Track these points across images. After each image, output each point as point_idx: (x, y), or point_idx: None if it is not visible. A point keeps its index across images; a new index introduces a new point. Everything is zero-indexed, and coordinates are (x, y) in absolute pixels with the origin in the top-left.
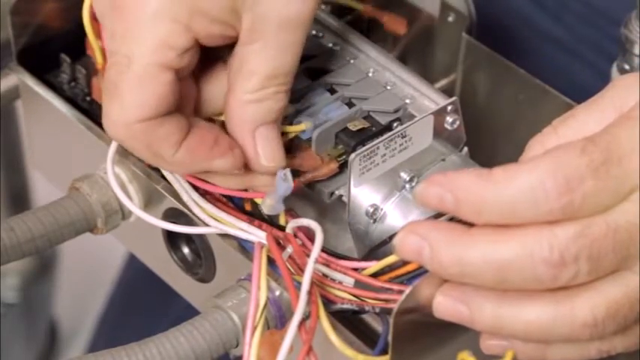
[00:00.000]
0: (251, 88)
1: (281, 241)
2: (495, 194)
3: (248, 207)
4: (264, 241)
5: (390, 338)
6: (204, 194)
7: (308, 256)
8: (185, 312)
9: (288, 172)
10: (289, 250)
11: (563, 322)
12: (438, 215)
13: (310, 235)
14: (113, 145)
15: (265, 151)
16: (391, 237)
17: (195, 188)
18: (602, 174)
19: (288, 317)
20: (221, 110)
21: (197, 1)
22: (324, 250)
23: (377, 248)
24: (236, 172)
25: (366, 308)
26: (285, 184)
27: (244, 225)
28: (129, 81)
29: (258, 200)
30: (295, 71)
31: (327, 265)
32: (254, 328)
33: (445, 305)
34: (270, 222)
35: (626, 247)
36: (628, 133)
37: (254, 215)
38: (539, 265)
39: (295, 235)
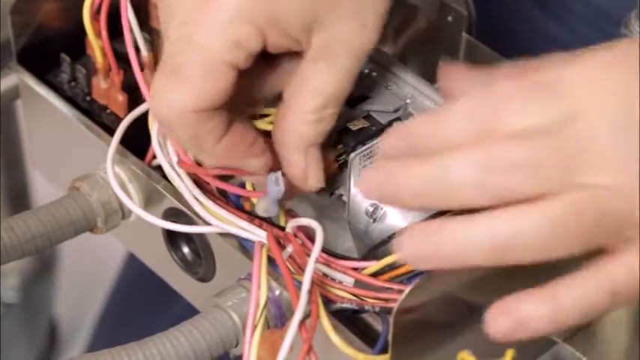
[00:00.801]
0: (313, 107)
1: (281, 241)
2: (436, 127)
3: (248, 207)
4: (265, 241)
5: (389, 337)
6: (206, 192)
7: (308, 255)
8: (185, 311)
9: (279, 175)
10: (289, 249)
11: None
12: (436, 215)
13: (310, 235)
14: (113, 145)
15: (313, 172)
16: (391, 236)
17: (197, 185)
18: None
19: (288, 316)
20: (257, 111)
21: (275, 10)
22: (323, 250)
23: (377, 248)
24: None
25: (366, 307)
26: (277, 187)
27: (245, 224)
28: (197, 70)
29: (255, 200)
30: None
31: (328, 265)
32: (254, 328)
33: (409, 246)
34: (271, 221)
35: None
36: (565, 70)
37: (254, 214)
38: (475, 174)
39: (295, 235)
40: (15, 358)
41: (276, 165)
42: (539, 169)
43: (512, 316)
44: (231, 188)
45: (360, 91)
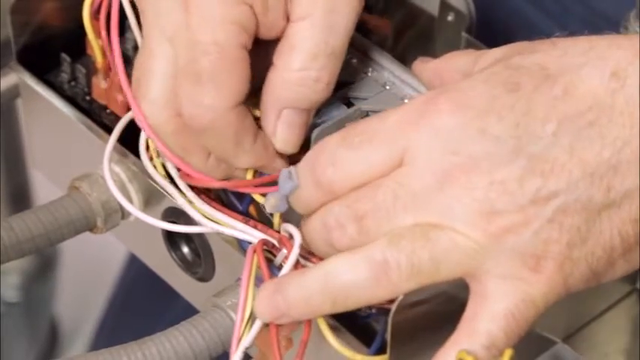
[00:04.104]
0: (292, 65)
1: (276, 243)
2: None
3: (253, 211)
4: (261, 240)
5: (388, 337)
6: (199, 194)
7: (304, 257)
8: (184, 311)
9: (293, 169)
10: (284, 251)
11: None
12: None
13: None
14: (110, 144)
15: (283, 133)
16: None
17: (191, 187)
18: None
19: None
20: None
21: None
22: None
23: None
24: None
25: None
26: (290, 182)
27: (240, 225)
28: (220, 66)
29: (259, 199)
30: (340, 63)
31: None
32: (238, 342)
33: (262, 302)
34: (267, 223)
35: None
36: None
37: (250, 216)
38: (317, 233)
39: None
40: (16, 356)
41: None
42: (362, 222)
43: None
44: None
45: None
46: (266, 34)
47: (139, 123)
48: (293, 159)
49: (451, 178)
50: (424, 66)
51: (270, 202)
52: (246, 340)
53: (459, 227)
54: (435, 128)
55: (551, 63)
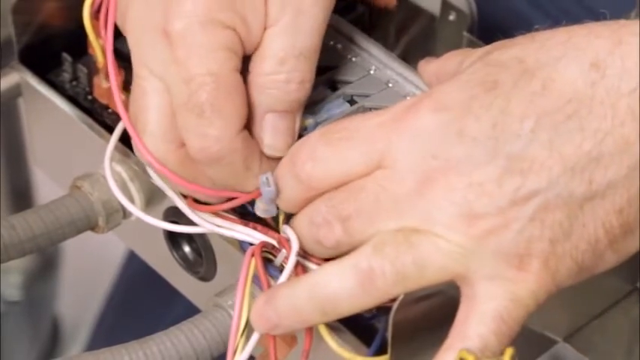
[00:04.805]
0: (263, 70)
1: (276, 244)
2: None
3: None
4: (257, 245)
5: (389, 337)
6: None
7: (303, 257)
8: (186, 311)
9: (269, 175)
10: (284, 252)
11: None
12: None
13: None
14: (111, 144)
15: (268, 138)
16: None
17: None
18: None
19: None
20: None
21: (233, 2)
22: None
23: None
24: None
25: None
26: (269, 188)
27: (239, 227)
28: (224, 94)
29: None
30: (313, 63)
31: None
32: (234, 352)
33: (256, 313)
34: (266, 223)
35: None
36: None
37: (249, 217)
38: (306, 233)
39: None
40: (17, 356)
41: None
42: (347, 223)
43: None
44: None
45: (324, 62)
46: (251, 50)
47: (143, 157)
48: None
49: (431, 181)
50: (426, 67)
51: (260, 208)
52: (244, 353)
53: (440, 231)
54: (414, 131)
55: (529, 56)
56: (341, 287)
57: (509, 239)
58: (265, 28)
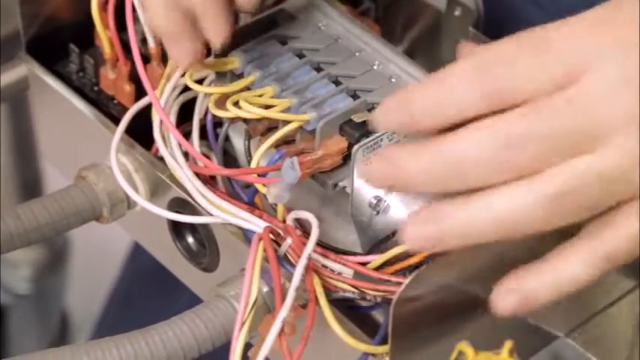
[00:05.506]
0: None
1: (281, 232)
2: (437, 94)
3: (258, 200)
4: (265, 229)
5: (389, 329)
6: (206, 183)
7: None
8: (189, 301)
9: (295, 160)
10: (289, 241)
11: (532, 206)
12: None
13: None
14: (117, 135)
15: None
16: (394, 233)
17: (198, 176)
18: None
19: None
20: None
21: None
22: (323, 244)
23: (381, 243)
24: None
25: (368, 297)
26: (293, 172)
27: (245, 214)
28: None
29: (263, 189)
30: None
31: (326, 257)
32: (242, 325)
33: (414, 232)
34: (271, 212)
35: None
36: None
37: (255, 206)
38: (489, 152)
39: (295, 227)
40: (26, 349)
41: None
42: (550, 141)
43: (518, 292)
44: (247, 177)
45: (327, 57)
46: None
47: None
48: None
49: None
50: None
51: (272, 192)
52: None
53: None
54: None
55: None
56: (534, 209)
57: None
58: None
